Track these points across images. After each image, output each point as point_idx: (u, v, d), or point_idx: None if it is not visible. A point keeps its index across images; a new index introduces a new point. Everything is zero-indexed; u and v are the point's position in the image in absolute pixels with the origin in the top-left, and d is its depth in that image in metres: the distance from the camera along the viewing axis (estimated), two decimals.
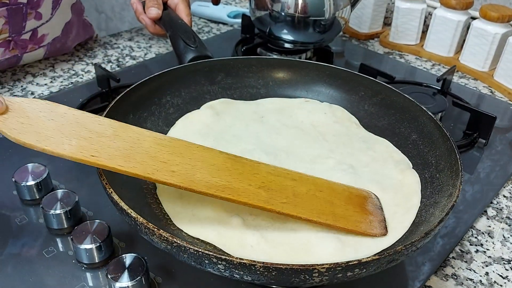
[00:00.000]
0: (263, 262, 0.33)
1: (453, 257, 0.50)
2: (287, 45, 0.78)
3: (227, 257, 0.34)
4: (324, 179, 0.46)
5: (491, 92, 0.80)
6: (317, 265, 0.33)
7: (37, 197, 0.51)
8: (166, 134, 0.55)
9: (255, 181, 0.42)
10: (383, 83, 0.59)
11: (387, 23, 1.00)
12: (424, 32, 0.92)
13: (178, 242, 0.35)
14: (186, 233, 0.43)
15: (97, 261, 0.45)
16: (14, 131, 0.36)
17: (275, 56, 0.80)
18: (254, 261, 0.33)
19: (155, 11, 0.73)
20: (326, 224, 0.42)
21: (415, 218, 0.45)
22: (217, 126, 0.55)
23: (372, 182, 0.48)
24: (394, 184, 0.49)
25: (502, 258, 0.50)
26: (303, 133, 0.56)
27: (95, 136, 0.39)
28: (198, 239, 0.42)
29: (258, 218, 0.44)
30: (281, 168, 0.45)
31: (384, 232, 0.43)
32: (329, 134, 0.56)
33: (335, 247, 0.41)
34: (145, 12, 0.76)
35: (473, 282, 0.47)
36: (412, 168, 0.51)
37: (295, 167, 0.50)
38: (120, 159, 0.38)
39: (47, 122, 0.38)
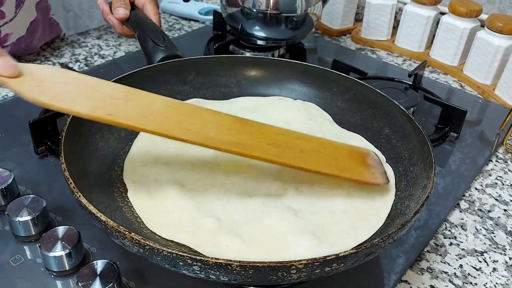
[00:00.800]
0: (239, 261, 0.32)
1: (427, 251, 0.50)
2: (259, 42, 0.78)
3: (202, 258, 0.33)
4: (326, 139, 0.48)
5: (461, 86, 0.82)
6: (295, 261, 0.33)
7: (3, 204, 0.49)
8: (136, 137, 0.53)
9: (264, 139, 0.44)
10: (354, 79, 0.59)
11: (358, 19, 1.00)
12: (395, 28, 0.93)
13: (151, 244, 0.34)
14: (159, 236, 0.42)
15: (67, 268, 0.43)
16: (31, 92, 0.38)
17: (248, 54, 0.79)
18: (230, 261, 0.33)
19: (122, 11, 0.71)
20: (333, 175, 0.44)
21: (390, 211, 0.45)
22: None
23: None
24: None
25: (475, 250, 0.51)
26: None
27: (108, 98, 0.40)
28: (172, 241, 0.41)
29: (233, 217, 0.43)
30: (285, 129, 0.47)
31: (386, 181, 0.46)
32: (303, 131, 0.55)
33: (311, 243, 0.40)
34: (112, 13, 0.73)
35: (448, 275, 0.47)
36: (386, 162, 0.51)
37: (271, 165, 0.50)
38: (135, 118, 0.39)
39: (62, 85, 0.40)
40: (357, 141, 0.55)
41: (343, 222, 0.44)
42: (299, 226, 0.42)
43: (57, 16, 0.85)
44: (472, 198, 0.58)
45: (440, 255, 0.50)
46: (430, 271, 0.48)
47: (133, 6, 0.73)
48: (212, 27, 0.91)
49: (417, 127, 0.49)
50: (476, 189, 0.59)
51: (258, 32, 0.75)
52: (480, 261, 0.49)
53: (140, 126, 0.39)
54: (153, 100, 0.43)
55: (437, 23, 0.86)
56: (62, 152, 0.41)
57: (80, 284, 0.39)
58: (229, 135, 0.42)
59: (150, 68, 0.58)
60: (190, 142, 0.40)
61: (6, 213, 0.45)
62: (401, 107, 0.53)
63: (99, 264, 0.41)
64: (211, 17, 0.93)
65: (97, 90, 0.40)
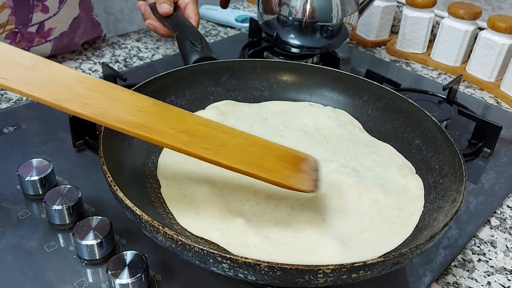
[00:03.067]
0: (268, 262, 0.33)
1: (455, 266, 0.49)
2: (294, 50, 0.79)
3: (232, 256, 0.33)
4: (261, 138, 0.45)
5: (497, 102, 0.80)
6: (323, 266, 0.33)
7: (41, 192, 0.51)
8: None
9: (179, 126, 0.41)
10: (386, 87, 0.59)
11: (394, 31, 1.00)
12: (431, 41, 0.92)
13: (183, 240, 0.34)
14: (190, 232, 0.43)
15: (97, 257, 0.44)
16: None
17: (280, 60, 0.80)
18: (259, 261, 0.33)
19: (166, 6, 0.73)
20: (248, 173, 0.41)
21: (418, 223, 0.45)
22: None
23: (375, 185, 0.48)
24: (398, 188, 0.49)
25: (505, 268, 0.49)
26: (307, 136, 0.56)
27: (11, 64, 0.39)
28: (202, 238, 0.42)
29: (262, 219, 0.44)
30: (215, 122, 0.44)
31: (313, 189, 0.42)
32: (333, 138, 0.56)
33: (338, 249, 0.41)
34: (153, 12, 0.76)
35: None
36: (416, 173, 0.51)
37: None
38: (30, 86, 0.38)
39: None
40: (388, 151, 0.55)
41: (370, 230, 0.44)
42: (327, 232, 0.43)
43: (98, 19, 0.88)
44: (504, 215, 0.56)
45: (468, 270, 0.49)
46: (456, 286, 0.47)
47: (175, 8, 0.76)
48: (248, 34, 0.92)
49: (448, 139, 0.49)
50: (508, 206, 0.58)
51: (293, 40, 0.76)
52: (510, 280, 0.48)
53: (30, 93, 0.37)
54: (64, 73, 0.40)
55: (475, 38, 0.85)
56: (101, 147, 0.43)
57: (109, 273, 0.40)
58: (136, 116, 0.40)
59: (185, 68, 0.59)
60: (83, 116, 0.38)
61: (43, 201, 0.48)
62: (433, 118, 0.52)
63: (129, 255, 0.42)
64: (247, 24, 0.94)
65: (5, 57, 0.39)
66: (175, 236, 0.35)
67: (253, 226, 0.42)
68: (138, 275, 0.40)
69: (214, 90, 0.62)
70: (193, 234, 0.42)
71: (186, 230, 0.43)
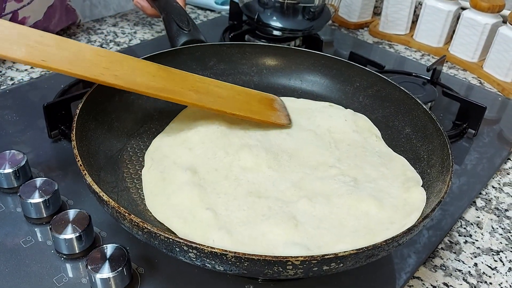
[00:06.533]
0: (234, 252, 0.32)
1: (441, 248, 0.49)
2: (275, 32, 0.77)
3: (198, 246, 0.33)
4: (242, 87, 0.55)
5: (480, 83, 0.80)
6: (291, 257, 0.32)
7: (15, 185, 0.49)
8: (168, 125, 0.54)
9: (186, 85, 0.50)
10: (379, 74, 0.57)
11: (376, 12, 0.99)
12: (414, 22, 0.92)
13: (149, 228, 0.33)
14: (154, 217, 0.42)
15: (77, 251, 0.43)
16: None
17: (270, 44, 0.78)
18: (225, 251, 0.32)
19: None
20: (245, 116, 0.52)
21: None
22: (229, 117, 0.53)
23: (370, 197, 0.44)
24: (396, 203, 0.45)
25: (491, 249, 0.49)
26: (316, 137, 0.53)
27: (40, 46, 0.42)
28: (162, 224, 0.41)
29: (232, 215, 0.42)
30: (205, 77, 0.53)
31: (289, 122, 0.54)
32: (343, 143, 0.52)
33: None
34: None
35: (462, 273, 0.46)
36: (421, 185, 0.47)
37: (295, 170, 0.48)
38: (67, 64, 0.42)
39: None
40: (400, 163, 0.50)
41: (348, 242, 0.40)
42: (295, 238, 0.40)
43: (73, 4, 0.85)
44: (489, 196, 0.56)
45: (455, 252, 0.49)
46: (444, 268, 0.47)
47: None
48: (228, 17, 0.90)
49: (438, 127, 0.47)
50: (493, 187, 0.58)
51: (275, 22, 0.74)
52: (496, 261, 0.48)
53: (72, 71, 0.42)
54: (82, 49, 0.45)
55: (458, 18, 0.84)
56: (74, 130, 0.41)
57: (89, 267, 0.39)
58: (154, 82, 0.47)
59: (171, 51, 0.57)
60: (119, 87, 0.44)
61: (18, 194, 0.45)
62: (424, 107, 0.51)
63: (109, 248, 0.40)
64: (227, 7, 0.92)
65: (29, 39, 0.42)
66: (141, 223, 0.33)
67: (220, 221, 0.41)
68: (120, 268, 0.39)
69: (202, 75, 0.59)
70: (156, 219, 0.41)
71: (151, 214, 0.42)
